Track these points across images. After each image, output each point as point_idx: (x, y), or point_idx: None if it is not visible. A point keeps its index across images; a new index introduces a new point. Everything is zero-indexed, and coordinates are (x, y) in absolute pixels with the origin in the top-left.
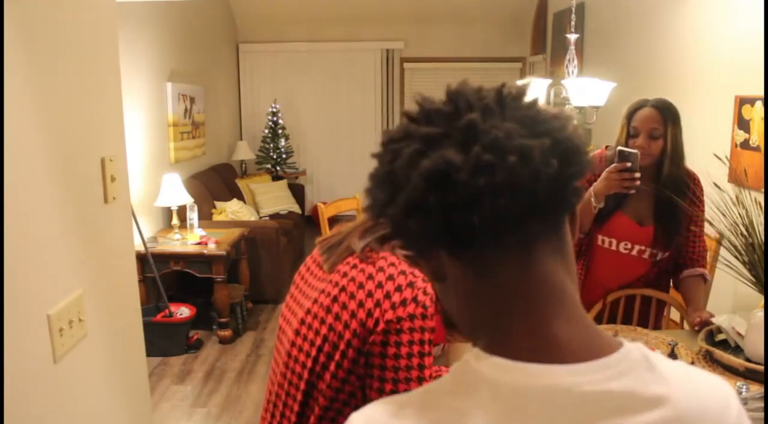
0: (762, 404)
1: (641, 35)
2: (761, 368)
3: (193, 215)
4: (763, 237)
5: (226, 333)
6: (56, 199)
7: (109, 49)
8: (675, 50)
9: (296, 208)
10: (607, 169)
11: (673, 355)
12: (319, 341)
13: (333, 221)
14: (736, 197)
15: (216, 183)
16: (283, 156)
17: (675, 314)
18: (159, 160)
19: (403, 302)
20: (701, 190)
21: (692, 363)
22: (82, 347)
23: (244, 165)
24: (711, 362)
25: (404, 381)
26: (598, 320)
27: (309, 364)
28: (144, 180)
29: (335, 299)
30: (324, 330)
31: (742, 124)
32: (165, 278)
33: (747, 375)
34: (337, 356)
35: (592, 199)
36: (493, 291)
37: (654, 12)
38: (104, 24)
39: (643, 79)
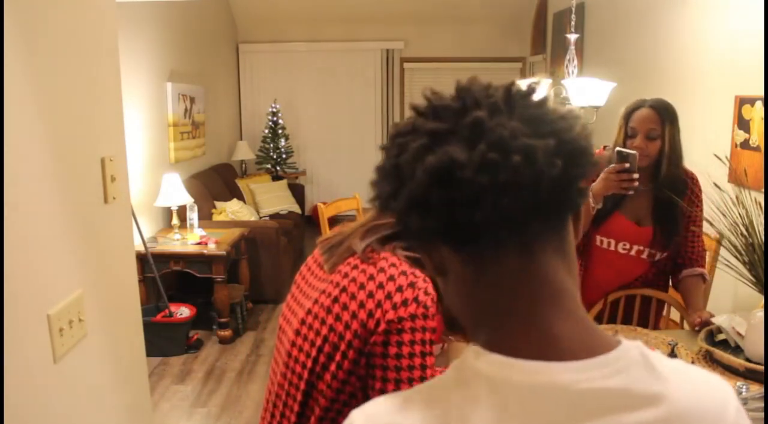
0: (762, 404)
1: (641, 35)
2: (761, 368)
3: (193, 215)
4: (763, 237)
5: (226, 333)
6: (56, 200)
7: (109, 49)
8: (675, 50)
9: (296, 208)
10: (605, 169)
11: (673, 355)
12: (319, 342)
13: (333, 221)
14: (736, 197)
15: (216, 183)
16: (283, 156)
17: (675, 314)
18: (159, 160)
19: (405, 302)
20: (699, 190)
21: (692, 363)
22: (82, 347)
23: (244, 165)
24: (711, 362)
25: (406, 381)
26: (598, 320)
27: (309, 364)
28: (144, 180)
29: (336, 300)
30: (324, 331)
31: (742, 124)
32: (165, 278)
33: (747, 375)
34: (337, 357)
35: (591, 200)
36: (493, 288)
37: (654, 12)
38: (104, 24)
39: (643, 79)
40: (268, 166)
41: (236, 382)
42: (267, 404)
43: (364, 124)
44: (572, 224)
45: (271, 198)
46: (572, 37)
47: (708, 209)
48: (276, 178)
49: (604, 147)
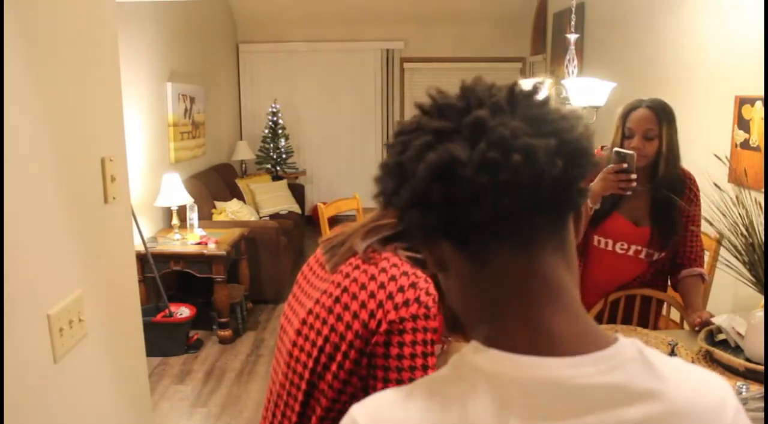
0: (762, 404)
1: (641, 35)
2: (761, 368)
3: (193, 215)
4: (763, 237)
5: (226, 333)
6: (56, 199)
7: (109, 49)
8: (675, 50)
9: (296, 208)
10: (603, 170)
11: (673, 355)
12: (320, 342)
13: (333, 221)
14: (736, 197)
15: (216, 183)
16: (283, 156)
17: (675, 314)
18: (159, 160)
19: (406, 303)
20: (697, 189)
21: (692, 363)
22: (82, 347)
23: (244, 165)
24: (711, 362)
25: (407, 382)
26: (599, 320)
27: (310, 364)
28: (144, 180)
29: (337, 300)
30: (326, 330)
31: (742, 124)
32: (165, 278)
33: (747, 375)
34: (338, 357)
35: (588, 200)
36: (492, 284)
37: (654, 12)
38: (104, 24)
39: (643, 79)
40: (268, 166)
41: (236, 382)
42: (268, 404)
43: (364, 124)
44: (573, 223)
45: (271, 198)
46: (572, 37)
47: (708, 209)
48: (276, 178)
49: (602, 147)
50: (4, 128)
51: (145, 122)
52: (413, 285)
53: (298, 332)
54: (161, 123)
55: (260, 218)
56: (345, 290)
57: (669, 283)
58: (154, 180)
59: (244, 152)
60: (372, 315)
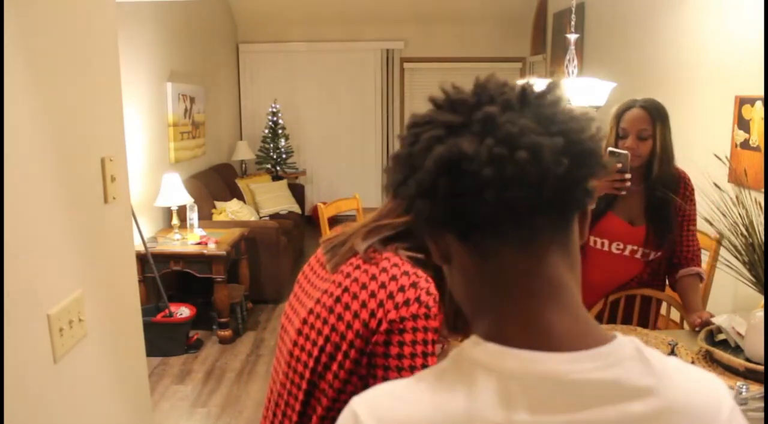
0: (762, 404)
1: (641, 35)
2: (761, 368)
3: (193, 215)
4: (763, 237)
5: (226, 333)
6: (56, 200)
7: (109, 49)
8: (675, 50)
9: (296, 208)
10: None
11: (673, 355)
12: (321, 341)
13: (333, 221)
14: (736, 197)
15: (216, 183)
16: (283, 156)
17: (675, 314)
18: (159, 160)
19: (406, 302)
20: (692, 189)
21: (692, 363)
22: (82, 347)
23: (244, 165)
24: (711, 362)
25: None
26: (599, 320)
27: (311, 363)
28: (144, 180)
29: (338, 300)
30: (326, 330)
31: (742, 124)
32: (165, 278)
33: (747, 375)
34: (339, 357)
35: None
36: (493, 278)
37: (654, 12)
38: (104, 24)
39: (643, 79)
40: (268, 166)
41: (236, 382)
42: (269, 403)
43: (364, 124)
44: (579, 223)
45: (271, 198)
46: (572, 37)
47: (708, 209)
48: (276, 178)
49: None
50: (4, 128)
51: (145, 122)
52: (414, 285)
53: (299, 332)
54: (161, 123)
55: (260, 218)
56: (346, 289)
57: (667, 283)
58: (154, 180)
59: (244, 152)
60: (372, 314)
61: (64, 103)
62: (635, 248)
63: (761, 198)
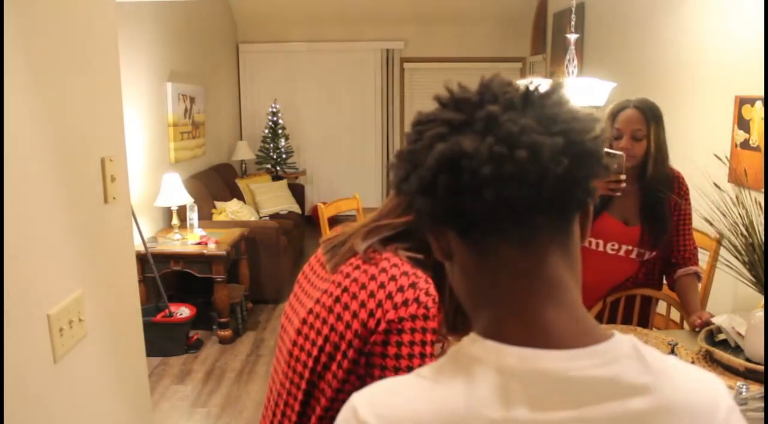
0: (762, 404)
1: (641, 35)
2: (761, 368)
3: (193, 215)
4: (763, 237)
5: (226, 333)
6: (56, 200)
7: (109, 49)
8: (675, 50)
9: (296, 208)
10: None
11: (672, 355)
12: (320, 341)
13: (333, 221)
14: (736, 197)
15: (216, 183)
16: (283, 156)
17: (675, 314)
18: (159, 160)
19: (405, 303)
20: (686, 188)
21: (692, 363)
22: (82, 347)
23: (244, 165)
24: (711, 362)
25: None
26: (598, 320)
27: (310, 363)
28: (144, 180)
29: (337, 300)
30: (326, 330)
31: (742, 124)
32: (165, 278)
33: (747, 375)
34: (338, 356)
35: None
36: (492, 275)
37: (654, 12)
38: (104, 24)
39: (643, 79)
40: (268, 166)
41: (236, 382)
42: (269, 403)
43: (364, 124)
44: (580, 223)
45: (271, 198)
46: (572, 37)
47: (708, 209)
48: (276, 178)
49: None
50: (4, 128)
51: (145, 122)
52: (413, 285)
53: (299, 332)
54: (161, 123)
55: (260, 218)
56: (345, 289)
57: (666, 283)
58: (154, 180)
59: (244, 152)
60: (371, 314)
61: (64, 103)
62: (630, 248)
63: (761, 198)
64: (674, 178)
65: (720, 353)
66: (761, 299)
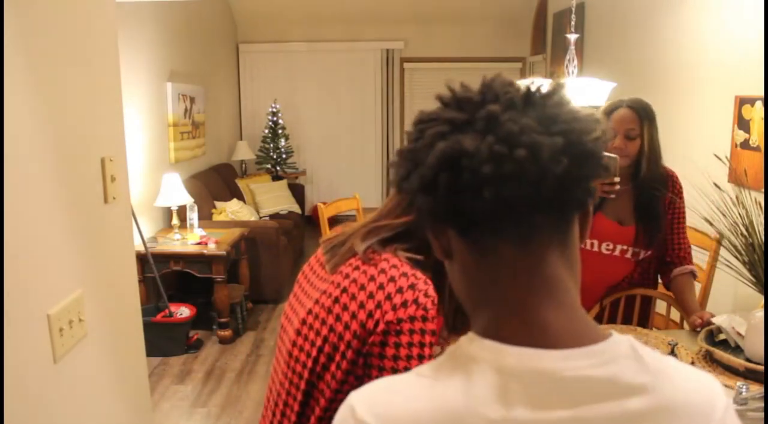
0: (762, 404)
1: (641, 35)
2: (761, 368)
3: (193, 215)
4: (763, 237)
5: (226, 333)
6: (56, 200)
7: (109, 49)
8: (675, 50)
9: (296, 208)
10: None
11: (673, 355)
12: (319, 342)
13: (333, 221)
14: (736, 197)
15: (216, 183)
16: (283, 156)
17: (675, 314)
18: (159, 160)
19: (404, 304)
20: (680, 187)
21: (692, 363)
22: (82, 347)
23: (244, 165)
24: (711, 362)
25: None
26: (598, 320)
27: (309, 364)
28: (144, 180)
29: (336, 300)
30: (324, 331)
31: (742, 124)
32: (165, 278)
33: (747, 375)
34: (336, 357)
35: None
36: (491, 274)
37: (654, 12)
38: (104, 24)
39: (643, 79)
40: (268, 166)
41: (236, 382)
42: (268, 403)
43: (364, 124)
44: (579, 223)
45: (271, 198)
46: (572, 37)
47: (708, 209)
48: (276, 178)
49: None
50: (4, 128)
51: (145, 122)
52: (412, 286)
53: (298, 332)
54: (161, 123)
55: (260, 218)
56: (344, 290)
57: (661, 282)
58: (154, 180)
59: (244, 152)
60: (370, 315)
61: (64, 103)
62: (625, 247)
63: (761, 198)
64: (668, 177)
65: (720, 353)
66: (761, 299)
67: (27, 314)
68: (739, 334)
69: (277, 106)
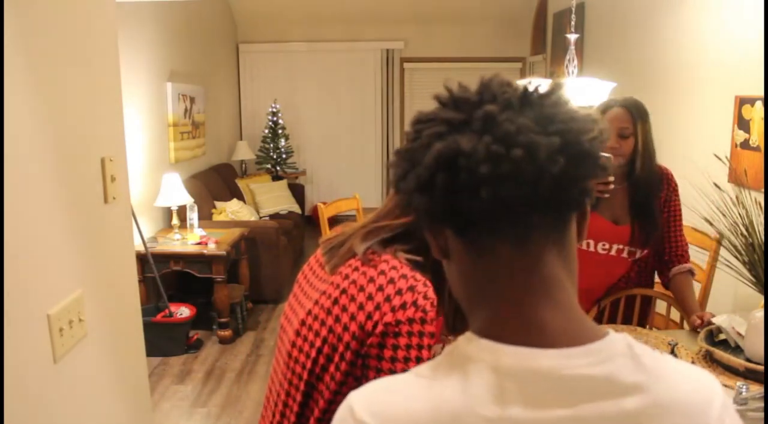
0: (762, 404)
1: (641, 35)
2: (761, 368)
3: (193, 215)
4: (763, 237)
5: (226, 333)
6: (56, 200)
7: (109, 49)
8: (675, 50)
9: (296, 208)
10: None
11: (672, 355)
12: (318, 343)
13: (333, 221)
14: (736, 197)
15: (216, 183)
16: (283, 156)
17: (675, 314)
18: (159, 160)
19: (403, 306)
20: (675, 185)
21: (692, 363)
22: (82, 347)
23: (244, 165)
24: (711, 362)
25: None
26: (598, 321)
27: (308, 365)
28: (144, 180)
29: (336, 301)
30: (324, 332)
31: (742, 124)
32: (165, 278)
33: (747, 375)
34: (335, 358)
35: None
36: (488, 274)
37: (654, 12)
38: (104, 24)
39: (643, 79)
40: (268, 166)
41: (236, 382)
42: (268, 403)
43: (364, 124)
44: (577, 223)
45: (271, 198)
46: (572, 37)
47: (708, 209)
48: (276, 178)
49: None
50: (4, 128)
51: (145, 122)
52: (411, 288)
53: (297, 333)
54: (161, 123)
55: (260, 218)
56: (343, 291)
57: (660, 281)
58: (154, 180)
59: (244, 152)
60: (369, 317)
61: (64, 103)
62: (621, 247)
63: (761, 198)
64: (663, 175)
65: (720, 353)
66: (761, 299)
67: (27, 314)
68: (739, 334)
69: (277, 106)
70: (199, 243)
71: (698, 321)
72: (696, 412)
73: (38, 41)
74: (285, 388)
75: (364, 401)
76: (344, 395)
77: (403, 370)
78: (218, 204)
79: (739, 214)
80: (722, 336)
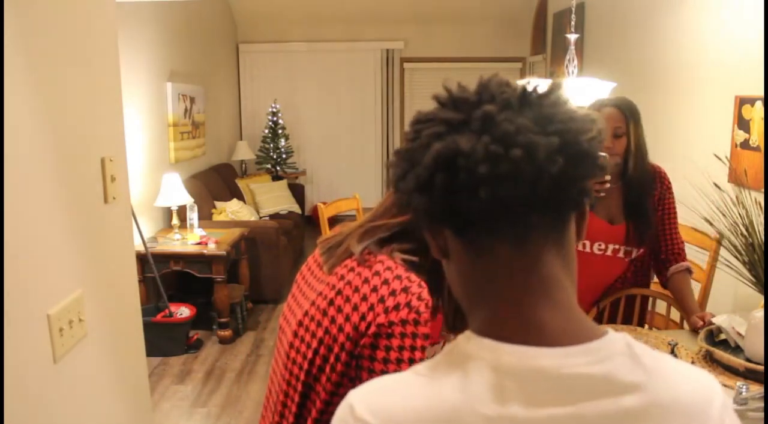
0: (762, 404)
1: (641, 35)
2: (761, 368)
3: (193, 215)
4: (763, 237)
5: (226, 333)
6: (56, 200)
7: (109, 49)
8: (675, 50)
9: (296, 208)
10: None
11: (672, 355)
12: (315, 344)
13: (333, 221)
14: (736, 197)
15: (216, 183)
16: (283, 156)
17: (675, 314)
18: (159, 160)
19: (396, 307)
20: (669, 183)
21: (692, 363)
22: (82, 347)
23: (244, 165)
24: (711, 362)
25: None
26: (598, 321)
27: (306, 366)
28: (144, 180)
29: (332, 302)
30: (320, 333)
31: (742, 124)
32: (165, 278)
33: (747, 375)
34: (331, 359)
35: None
36: (487, 273)
37: (654, 12)
38: (104, 24)
39: (643, 79)
40: (268, 166)
41: (236, 382)
42: (267, 403)
43: (364, 124)
44: (576, 223)
45: (271, 198)
46: (572, 37)
47: (708, 209)
48: (276, 178)
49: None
50: (4, 128)
51: (145, 122)
52: (405, 289)
53: (295, 334)
54: (161, 123)
55: (260, 218)
56: (339, 292)
57: (657, 280)
58: (154, 180)
59: (244, 152)
60: (363, 318)
61: (64, 103)
62: (617, 246)
63: (761, 198)
64: (656, 174)
65: (720, 353)
66: (761, 299)
67: (27, 314)
68: (739, 334)
69: (277, 106)
70: (199, 243)
71: (700, 323)
72: (696, 412)
73: (38, 41)
74: (283, 388)
75: (364, 399)
76: (340, 396)
77: (396, 371)
78: (218, 204)
79: (739, 214)
80: (722, 336)
